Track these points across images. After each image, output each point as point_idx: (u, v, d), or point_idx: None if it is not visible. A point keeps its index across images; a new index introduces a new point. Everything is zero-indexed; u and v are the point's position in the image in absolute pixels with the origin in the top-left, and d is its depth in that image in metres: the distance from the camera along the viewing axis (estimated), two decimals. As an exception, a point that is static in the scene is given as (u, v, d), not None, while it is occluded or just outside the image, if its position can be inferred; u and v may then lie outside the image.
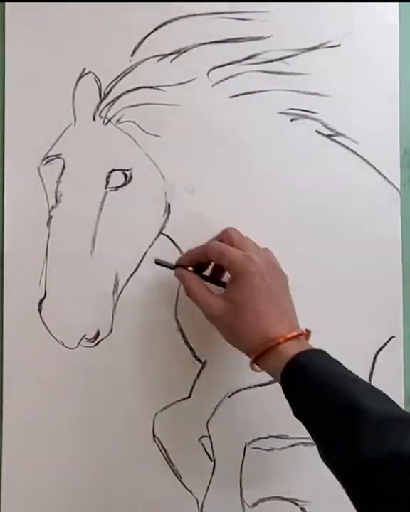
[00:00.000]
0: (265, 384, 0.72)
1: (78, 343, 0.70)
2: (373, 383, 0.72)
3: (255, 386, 0.72)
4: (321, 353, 0.60)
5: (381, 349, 0.74)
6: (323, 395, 0.56)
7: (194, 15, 0.72)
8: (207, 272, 0.68)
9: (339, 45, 0.74)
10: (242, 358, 0.63)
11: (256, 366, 0.62)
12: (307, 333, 0.63)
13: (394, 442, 0.51)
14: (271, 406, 0.71)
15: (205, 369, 0.72)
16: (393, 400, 0.56)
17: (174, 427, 0.72)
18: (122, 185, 0.71)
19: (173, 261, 0.69)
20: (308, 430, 0.58)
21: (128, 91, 0.71)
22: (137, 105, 0.71)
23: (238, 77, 0.73)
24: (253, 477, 0.72)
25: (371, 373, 0.73)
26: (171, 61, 0.72)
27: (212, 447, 0.72)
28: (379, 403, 0.55)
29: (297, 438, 0.72)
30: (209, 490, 0.72)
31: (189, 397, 0.72)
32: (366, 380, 0.73)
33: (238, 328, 0.62)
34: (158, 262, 0.69)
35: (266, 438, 0.72)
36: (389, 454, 0.50)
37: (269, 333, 0.60)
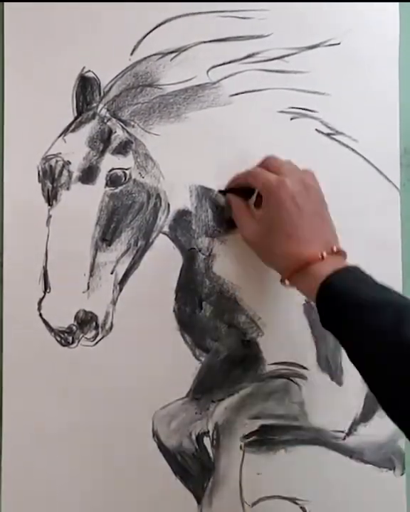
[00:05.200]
0: (263, 380, 0.72)
1: (78, 343, 0.70)
2: (373, 382, 0.73)
3: (255, 383, 0.72)
4: (353, 270, 0.61)
5: (381, 348, 0.74)
6: (362, 308, 0.57)
7: (194, 13, 0.71)
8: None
9: (339, 44, 0.74)
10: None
11: (287, 282, 0.64)
12: (342, 253, 0.64)
13: None
14: (272, 405, 0.71)
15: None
16: None
17: (174, 425, 0.72)
18: (121, 185, 0.71)
19: (171, 256, 0.71)
20: (340, 338, 0.59)
21: (128, 89, 0.71)
22: (136, 104, 0.71)
23: (238, 75, 0.72)
24: (253, 476, 0.72)
25: (371, 372, 0.73)
26: (171, 60, 0.71)
27: (212, 446, 0.72)
28: None
29: (298, 438, 0.72)
30: (209, 489, 0.72)
31: (188, 395, 0.72)
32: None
33: (270, 250, 0.65)
34: (220, 191, 0.72)
35: (266, 437, 0.72)
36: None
37: (299, 253, 0.62)
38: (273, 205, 0.64)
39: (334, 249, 0.63)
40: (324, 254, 0.61)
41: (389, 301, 0.57)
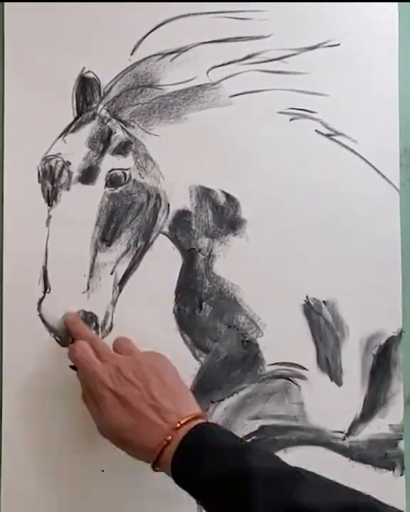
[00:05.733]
0: (263, 381, 0.72)
1: (78, 343, 0.70)
2: (373, 382, 0.73)
3: (254, 383, 0.72)
4: (198, 435, 0.57)
5: (381, 348, 0.74)
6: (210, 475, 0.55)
7: (194, 14, 0.72)
8: None
9: (338, 45, 0.74)
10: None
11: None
12: (199, 415, 0.60)
13: (286, 497, 0.51)
14: (271, 405, 0.71)
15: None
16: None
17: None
18: (121, 185, 0.71)
19: (171, 257, 0.71)
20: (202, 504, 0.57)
21: (128, 90, 0.71)
22: (136, 104, 0.71)
23: (238, 76, 0.73)
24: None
25: (371, 372, 0.73)
26: (171, 60, 0.72)
27: (211, 447, 0.72)
28: (265, 462, 0.55)
29: (297, 438, 0.72)
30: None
31: (188, 396, 0.72)
32: (367, 379, 0.73)
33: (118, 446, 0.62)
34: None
35: (266, 438, 0.72)
36: (284, 508, 0.50)
37: (144, 447, 0.59)
38: (95, 400, 0.62)
39: (171, 436, 0.57)
40: (164, 442, 0.57)
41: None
